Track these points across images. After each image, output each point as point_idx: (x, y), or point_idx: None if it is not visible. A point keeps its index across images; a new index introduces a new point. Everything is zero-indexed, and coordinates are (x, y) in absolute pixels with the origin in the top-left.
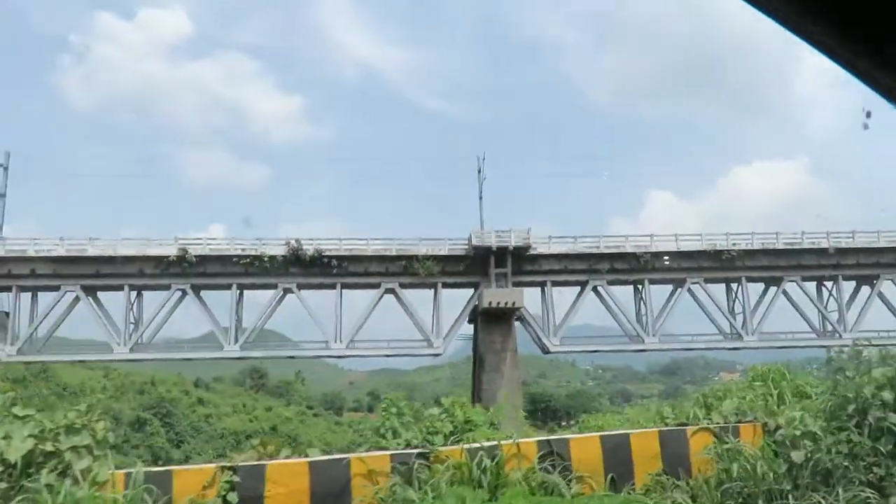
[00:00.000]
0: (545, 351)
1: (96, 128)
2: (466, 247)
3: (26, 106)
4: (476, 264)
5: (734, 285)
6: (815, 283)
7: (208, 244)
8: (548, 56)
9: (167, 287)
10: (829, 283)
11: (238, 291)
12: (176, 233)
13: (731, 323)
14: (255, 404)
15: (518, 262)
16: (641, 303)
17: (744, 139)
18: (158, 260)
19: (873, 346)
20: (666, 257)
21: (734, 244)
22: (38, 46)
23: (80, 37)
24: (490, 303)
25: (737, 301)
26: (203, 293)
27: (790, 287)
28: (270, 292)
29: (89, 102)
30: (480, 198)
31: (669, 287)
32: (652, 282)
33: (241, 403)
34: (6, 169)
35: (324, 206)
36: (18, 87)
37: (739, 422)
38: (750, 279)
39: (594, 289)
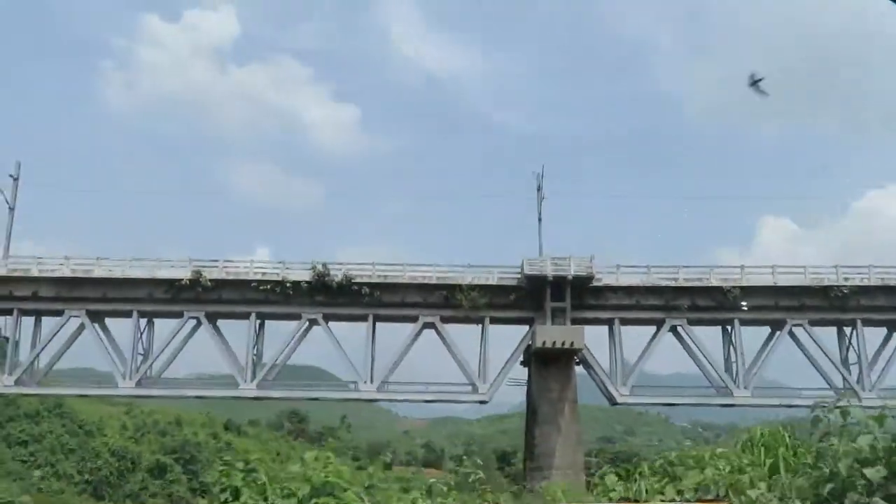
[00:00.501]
0: (612, 402)
1: (138, 137)
2: (519, 276)
3: (67, 113)
4: (529, 297)
5: (847, 329)
6: None
7: (225, 267)
8: (640, 64)
9: (179, 314)
10: None
11: (258, 321)
12: (223, 255)
13: (843, 376)
14: (291, 452)
15: (580, 295)
16: (731, 347)
17: (882, 158)
18: (170, 283)
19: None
20: (744, 303)
21: (846, 279)
22: (81, 50)
23: (124, 40)
24: (544, 342)
25: (851, 349)
26: (223, 323)
27: None
28: (294, 323)
29: (131, 110)
30: (539, 220)
31: (767, 329)
32: (743, 322)
33: (276, 451)
34: (16, 180)
35: (383, 227)
36: (59, 93)
37: (699, 500)
38: (868, 323)
39: (673, 329)
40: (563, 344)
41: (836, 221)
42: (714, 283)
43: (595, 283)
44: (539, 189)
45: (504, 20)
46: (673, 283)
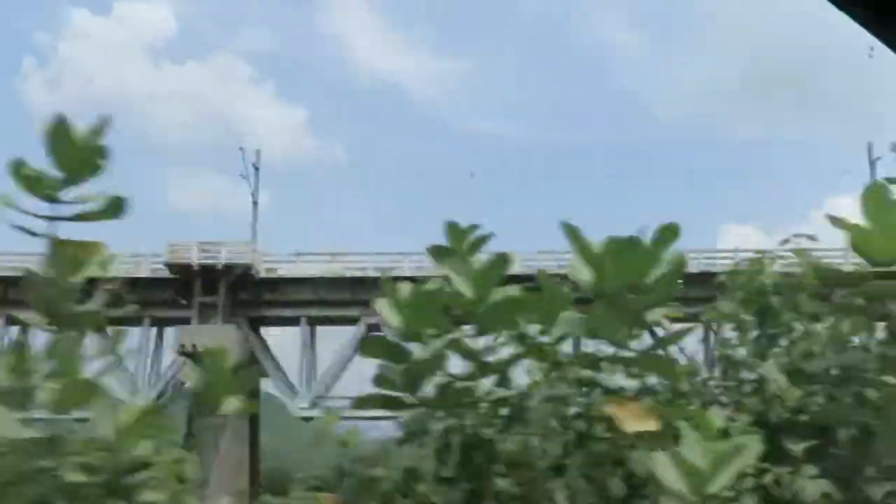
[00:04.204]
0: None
1: None
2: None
3: None
4: (187, 291)
5: None
6: None
7: None
8: (608, 67)
9: None
10: None
11: None
12: None
13: None
14: None
15: (255, 290)
16: None
17: (843, 163)
18: None
19: None
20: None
21: None
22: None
23: (48, 35)
24: (184, 346)
25: None
26: None
27: None
28: None
29: (56, 110)
30: (255, 203)
31: None
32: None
33: None
34: None
35: (330, 235)
36: None
37: None
38: None
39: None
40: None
41: (797, 227)
42: (408, 273)
43: (270, 275)
44: (257, 169)
45: (463, 24)
46: (361, 274)
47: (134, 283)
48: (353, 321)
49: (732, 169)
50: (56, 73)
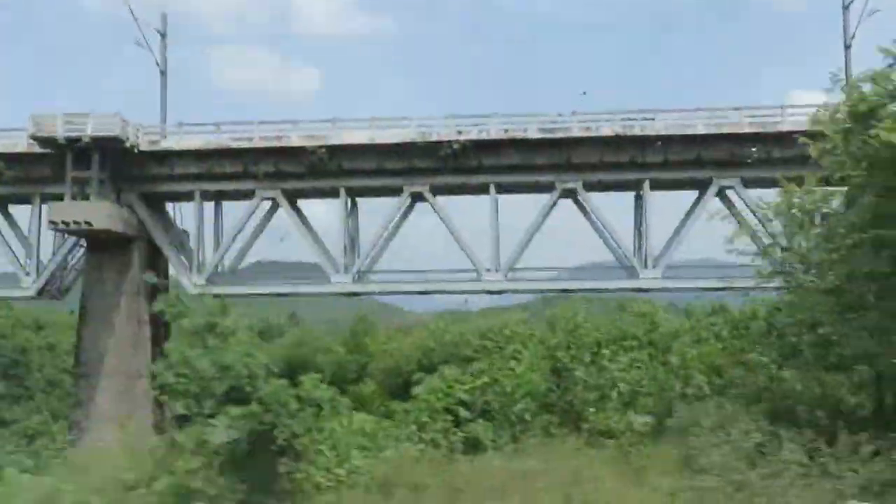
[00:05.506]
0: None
1: (111, 27)
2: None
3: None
4: (60, 166)
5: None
6: None
7: None
8: None
9: None
10: None
11: None
12: None
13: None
14: None
15: (141, 163)
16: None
17: None
18: None
19: None
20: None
21: (459, 132)
22: None
23: None
24: (55, 223)
25: None
26: None
27: None
28: None
29: None
30: (162, 73)
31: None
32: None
33: None
34: None
35: (383, 111)
36: None
37: None
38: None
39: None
40: (76, 223)
41: None
42: (296, 142)
43: (153, 148)
44: (163, 36)
45: None
46: (248, 145)
47: (18, 158)
48: (249, 194)
49: (796, 33)
50: None
